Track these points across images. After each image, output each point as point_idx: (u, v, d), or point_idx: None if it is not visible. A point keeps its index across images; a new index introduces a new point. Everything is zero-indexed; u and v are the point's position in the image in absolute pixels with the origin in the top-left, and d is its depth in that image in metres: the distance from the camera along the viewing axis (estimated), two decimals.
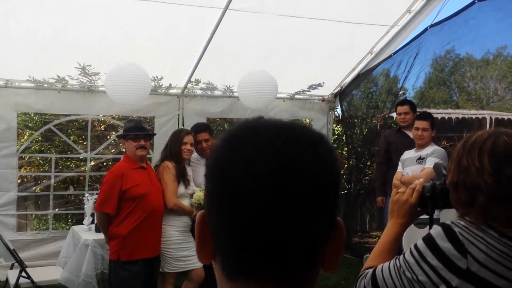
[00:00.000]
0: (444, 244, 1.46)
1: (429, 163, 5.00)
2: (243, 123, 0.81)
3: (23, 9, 4.90)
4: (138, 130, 4.43)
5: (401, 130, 5.94)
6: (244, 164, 0.73)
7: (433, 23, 5.88)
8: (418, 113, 5.64)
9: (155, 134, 4.91)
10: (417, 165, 5.18)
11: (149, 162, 5.05)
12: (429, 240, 1.50)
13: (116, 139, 6.80)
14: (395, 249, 1.74)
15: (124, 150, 4.95)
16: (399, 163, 5.42)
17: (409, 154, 5.35)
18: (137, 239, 4.26)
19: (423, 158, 5.15)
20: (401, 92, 7.12)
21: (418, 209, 1.75)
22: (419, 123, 5.21)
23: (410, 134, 5.70)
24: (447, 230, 1.48)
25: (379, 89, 7.37)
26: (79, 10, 5.05)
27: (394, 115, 7.47)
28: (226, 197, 0.74)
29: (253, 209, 0.72)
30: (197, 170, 5.05)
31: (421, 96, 7.19)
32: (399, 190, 1.80)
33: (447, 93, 8.06)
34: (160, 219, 4.50)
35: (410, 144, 5.52)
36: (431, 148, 5.17)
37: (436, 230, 1.51)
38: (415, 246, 1.53)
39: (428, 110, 7.55)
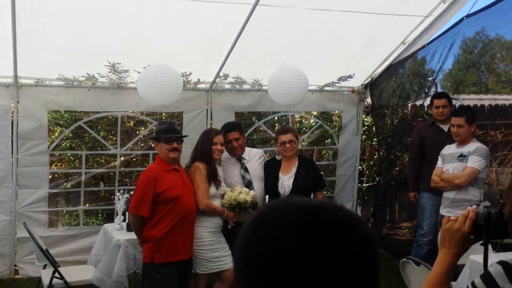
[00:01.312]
0: (506, 285, 1.38)
1: (471, 162, 4.86)
2: (272, 205, 0.87)
3: (52, 11, 4.88)
4: (170, 132, 4.42)
5: (435, 124, 5.75)
6: (274, 246, 0.80)
7: (469, 13, 5.68)
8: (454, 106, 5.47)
9: (186, 136, 4.87)
10: (458, 162, 5.00)
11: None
12: (488, 279, 1.42)
13: (146, 135, 6.81)
14: (448, 280, 1.66)
15: (153, 145, 4.94)
16: (439, 157, 5.23)
17: (450, 150, 5.15)
18: (171, 242, 4.26)
19: (464, 156, 4.97)
20: (429, 75, 6.93)
21: (472, 237, 1.67)
22: (454, 120, 5.04)
23: (445, 127, 5.54)
24: (509, 269, 1.40)
25: (406, 71, 7.18)
26: (107, 10, 5.02)
27: (425, 103, 7.30)
28: (256, 276, 0.81)
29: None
30: (228, 170, 5.02)
31: (451, 79, 6.99)
32: (450, 218, 1.71)
33: (476, 75, 7.84)
34: (193, 220, 4.49)
35: (444, 139, 5.36)
36: (473, 146, 4.97)
37: (496, 269, 1.43)
38: (473, 284, 1.45)
39: (460, 96, 7.35)
